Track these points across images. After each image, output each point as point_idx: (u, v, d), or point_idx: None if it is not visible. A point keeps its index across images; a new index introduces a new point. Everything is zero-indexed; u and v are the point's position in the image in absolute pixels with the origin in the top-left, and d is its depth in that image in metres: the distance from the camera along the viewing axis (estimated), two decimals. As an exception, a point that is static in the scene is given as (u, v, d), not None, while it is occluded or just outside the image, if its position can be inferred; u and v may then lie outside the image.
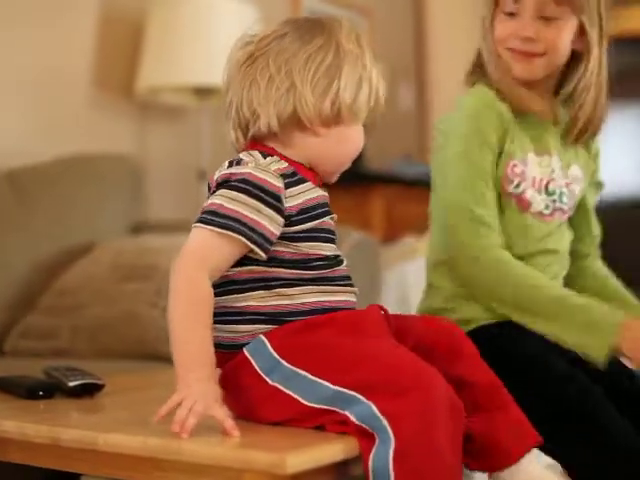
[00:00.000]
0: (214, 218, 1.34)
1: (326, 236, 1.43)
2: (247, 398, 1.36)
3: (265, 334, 1.36)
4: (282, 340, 1.35)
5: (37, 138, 3.11)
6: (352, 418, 1.25)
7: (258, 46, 1.43)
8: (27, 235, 2.72)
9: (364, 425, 1.24)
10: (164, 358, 2.32)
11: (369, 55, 1.45)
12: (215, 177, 1.41)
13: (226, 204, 1.35)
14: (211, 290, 1.34)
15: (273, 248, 1.38)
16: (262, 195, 1.35)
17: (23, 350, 2.50)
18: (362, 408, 1.24)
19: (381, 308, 1.46)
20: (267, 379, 1.34)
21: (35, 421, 1.41)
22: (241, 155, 1.42)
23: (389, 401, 1.23)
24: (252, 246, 1.34)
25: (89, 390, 1.62)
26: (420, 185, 4.41)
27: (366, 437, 1.24)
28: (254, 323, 1.38)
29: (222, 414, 1.27)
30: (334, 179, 1.50)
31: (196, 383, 1.29)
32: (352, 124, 1.44)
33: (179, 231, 2.75)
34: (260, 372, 1.34)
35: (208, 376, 1.30)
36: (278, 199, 1.36)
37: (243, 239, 1.34)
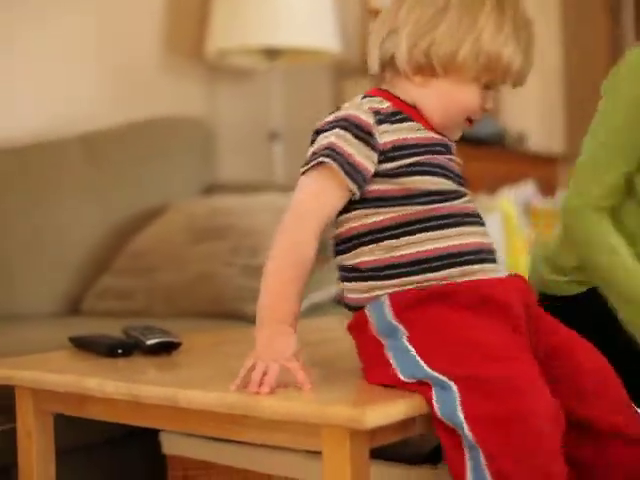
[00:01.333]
0: (311, 158, 1.36)
1: (436, 170, 1.37)
2: (362, 355, 1.37)
3: (389, 297, 1.33)
4: (404, 308, 1.32)
5: (109, 103, 3.14)
6: (435, 407, 1.23)
7: None
8: (100, 198, 2.75)
9: (444, 419, 1.22)
10: (241, 316, 2.35)
11: (493, 13, 1.35)
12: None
13: (320, 142, 1.36)
14: (313, 252, 1.34)
15: (374, 186, 1.36)
16: (351, 127, 1.34)
17: (100, 310, 2.54)
18: (448, 399, 1.22)
19: (524, 282, 1.42)
20: (383, 343, 1.32)
21: (115, 378, 1.43)
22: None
23: (481, 420, 1.20)
24: (343, 176, 1.32)
25: (167, 348, 1.64)
26: (492, 143, 4.42)
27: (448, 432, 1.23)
28: (371, 280, 1.36)
29: (297, 366, 1.27)
30: (452, 136, 1.44)
31: (276, 338, 1.30)
32: (455, 80, 1.38)
33: (251, 191, 2.77)
34: (378, 336, 1.33)
35: (290, 331, 1.32)
36: (368, 133, 1.34)
37: (335, 165, 1.32)
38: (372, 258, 1.35)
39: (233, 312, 2.36)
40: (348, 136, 1.34)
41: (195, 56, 3.44)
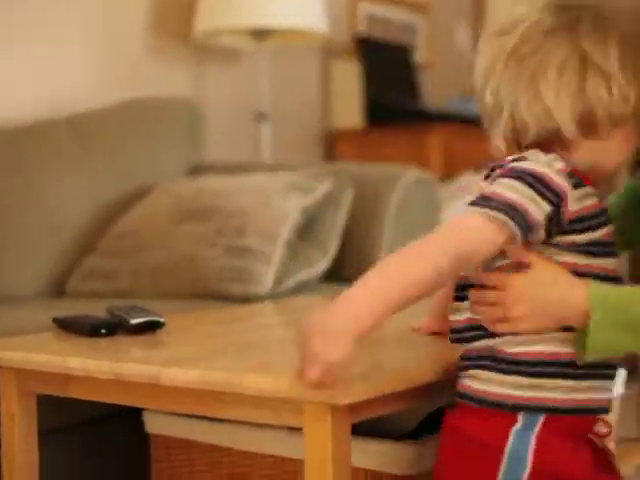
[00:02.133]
0: (487, 202, 1.19)
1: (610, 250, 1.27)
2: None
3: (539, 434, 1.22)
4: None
5: (97, 85, 3.13)
6: None
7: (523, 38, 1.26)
8: (87, 178, 2.74)
9: None
10: (225, 297, 2.35)
11: None
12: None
13: (504, 193, 1.19)
14: (445, 280, 1.21)
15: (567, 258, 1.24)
16: (541, 189, 1.19)
17: (85, 291, 2.54)
18: None
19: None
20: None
21: (98, 357, 1.43)
22: (523, 154, 1.25)
23: None
24: (511, 224, 1.16)
25: (151, 327, 1.64)
26: (478, 123, 4.41)
27: None
28: (540, 377, 1.22)
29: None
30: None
31: (341, 333, 1.13)
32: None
33: (238, 172, 2.76)
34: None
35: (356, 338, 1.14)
36: (558, 196, 1.20)
37: (505, 218, 1.17)
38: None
39: (217, 293, 2.36)
40: (536, 197, 1.19)
41: (182, 37, 3.44)
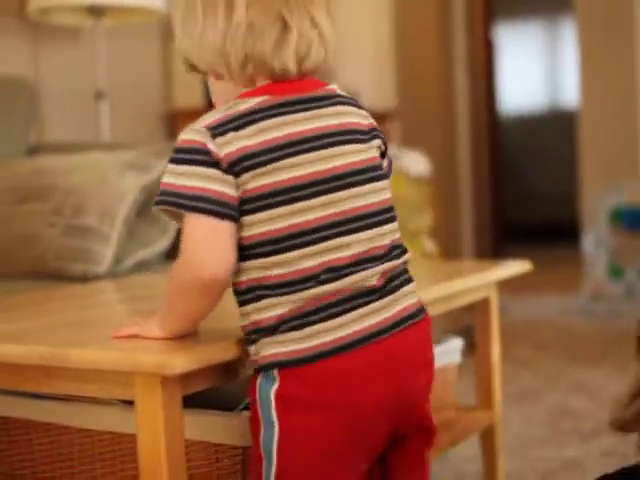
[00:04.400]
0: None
1: None
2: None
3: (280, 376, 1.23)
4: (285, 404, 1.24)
5: None
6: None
7: None
8: None
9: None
10: (65, 277, 2.33)
11: None
12: None
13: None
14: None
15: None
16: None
17: None
18: None
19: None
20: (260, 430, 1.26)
21: None
22: None
23: None
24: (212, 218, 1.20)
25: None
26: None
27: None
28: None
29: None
30: None
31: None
32: None
33: (77, 151, 2.73)
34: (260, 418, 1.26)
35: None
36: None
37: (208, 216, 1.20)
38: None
39: (57, 272, 2.34)
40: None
41: (17, 14, 3.36)
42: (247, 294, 1.24)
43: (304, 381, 1.21)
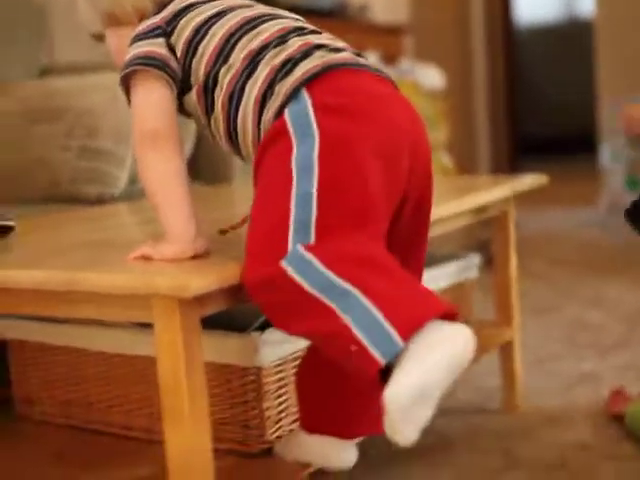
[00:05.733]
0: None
1: None
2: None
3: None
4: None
5: None
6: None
7: None
8: None
9: None
10: (79, 199, 2.32)
11: None
12: None
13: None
14: (177, 159, 1.31)
15: None
16: None
17: None
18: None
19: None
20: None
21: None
22: None
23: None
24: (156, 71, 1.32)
25: (1, 232, 1.61)
26: (334, 15, 4.40)
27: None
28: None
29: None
30: None
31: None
32: None
33: (90, 72, 2.70)
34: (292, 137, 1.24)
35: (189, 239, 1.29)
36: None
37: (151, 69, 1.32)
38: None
39: (71, 195, 2.33)
40: None
41: None
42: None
43: (336, 88, 1.26)
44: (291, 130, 1.23)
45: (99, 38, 1.47)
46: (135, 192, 2.38)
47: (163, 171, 1.30)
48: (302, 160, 1.21)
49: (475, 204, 1.88)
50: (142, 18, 1.40)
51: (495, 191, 1.95)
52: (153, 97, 1.32)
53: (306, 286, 1.14)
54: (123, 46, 1.39)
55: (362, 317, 1.11)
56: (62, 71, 2.89)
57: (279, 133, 1.24)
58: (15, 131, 2.47)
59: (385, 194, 1.25)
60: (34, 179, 2.40)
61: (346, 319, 1.11)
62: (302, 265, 1.15)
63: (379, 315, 1.11)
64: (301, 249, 1.16)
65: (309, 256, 1.16)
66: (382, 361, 1.10)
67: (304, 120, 1.23)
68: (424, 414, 1.11)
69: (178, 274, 1.20)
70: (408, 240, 1.35)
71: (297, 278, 1.15)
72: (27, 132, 2.46)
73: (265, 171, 1.26)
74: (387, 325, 1.10)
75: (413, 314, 1.12)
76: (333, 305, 1.13)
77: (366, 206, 1.21)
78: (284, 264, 1.16)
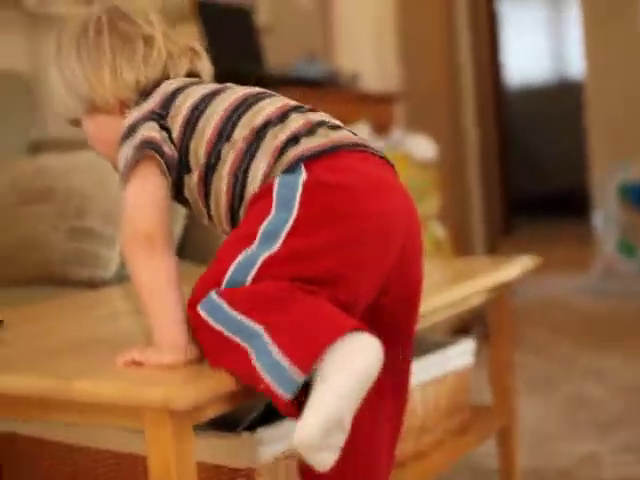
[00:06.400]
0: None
1: None
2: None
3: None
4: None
5: None
6: None
7: None
8: None
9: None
10: (70, 281, 2.28)
11: None
12: None
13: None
14: (170, 262, 1.28)
15: None
16: None
17: None
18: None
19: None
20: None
21: None
22: None
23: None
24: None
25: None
26: (325, 84, 4.41)
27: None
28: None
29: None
30: None
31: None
32: None
33: (80, 148, 2.68)
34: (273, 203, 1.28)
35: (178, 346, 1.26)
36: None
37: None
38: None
39: (62, 277, 2.30)
40: None
41: (13, 5, 3.29)
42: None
43: (331, 168, 1.27)
44: (275, 196, 1.25)
45: (75, 123, 1.47)
46: (127, 275, 2.34)
47: (155, 277, 1.27)
48: (270, 228, 1.24)
49: (467, 293, 1.85)
50: (123, 107, 1.39)
51: (489, 278, 1.93)
52: (148, 187, 1.30)
53: (220, 328, 1.20)
54: (101, 133, 1.41)
55: (266, 358, 1.16)
56: (53, 146, 2.87)
57: (265, 194, 1.26)
58: (5, 210, 2.45)
59: (354, 269, 1.26)
60: (24, 260, 2.37)
61: (254, 360, 1.17)
62: (213, 309, 1.22)
63: (280, 354, 1.15)
64: (214, 295, 1.22)
65: (219, 301, 1.22)
66: (286, 397, 1.15)
67: (289, 194, 1.25)
68: (338, 439, 1.17)
69: (170, 385, 1.17)
70: (396, 318, 1.38)
71: (210, 321, 1.21)
72: (18, 211, 2.43)
73: (244, 221, 1.29)
74: (287, 363, 1.15)
75: (311, 345, 1.15)
76: (246, 346, 1.18)
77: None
78: (199, 308, 1.23)
